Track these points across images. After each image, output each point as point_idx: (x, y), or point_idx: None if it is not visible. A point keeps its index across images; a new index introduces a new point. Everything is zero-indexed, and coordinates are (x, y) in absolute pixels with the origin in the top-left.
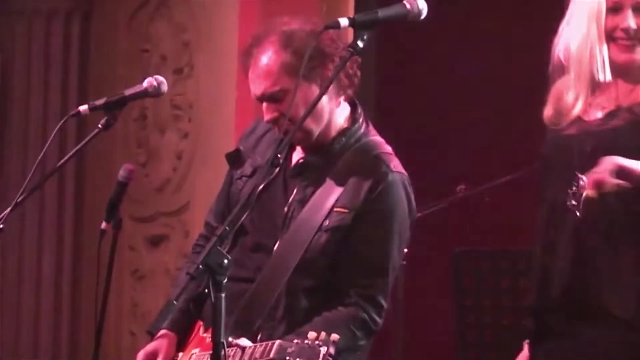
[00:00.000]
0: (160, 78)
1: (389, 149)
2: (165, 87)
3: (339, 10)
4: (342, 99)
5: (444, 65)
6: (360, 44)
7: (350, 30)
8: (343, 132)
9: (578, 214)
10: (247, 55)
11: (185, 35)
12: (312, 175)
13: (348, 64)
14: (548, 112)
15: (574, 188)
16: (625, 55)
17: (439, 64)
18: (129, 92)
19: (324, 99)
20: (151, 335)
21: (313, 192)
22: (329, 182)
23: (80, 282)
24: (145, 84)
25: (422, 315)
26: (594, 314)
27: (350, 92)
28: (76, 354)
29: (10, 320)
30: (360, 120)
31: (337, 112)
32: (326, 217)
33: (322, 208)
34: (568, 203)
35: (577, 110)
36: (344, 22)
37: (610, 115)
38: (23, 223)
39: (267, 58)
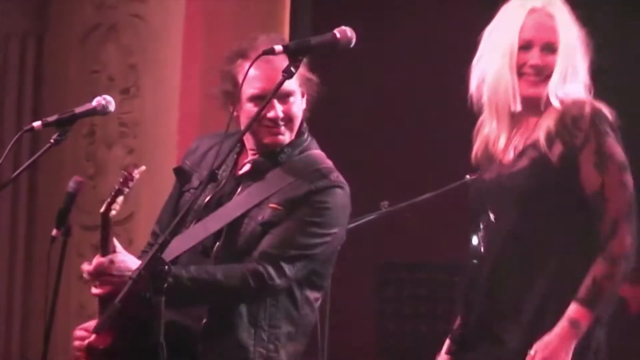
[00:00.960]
0: (108, 97)
1: (329, 162)
2: (112, 106)
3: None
4: None
5: (371, 85)
6: (293, 69)
7: None
8: (290, 144)
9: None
10: (243, 57)
11: (132, 58)
12: (255, 177)
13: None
14: (476, 153)
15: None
16: (532, 90)
17: (367, 84)
18: (79, 110)
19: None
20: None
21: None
22: (267, 180)
23: (31, 285)
24: (94, 102)
25: (347, 322)
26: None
27: None
28: (27, 353)
29: None
30: (306, 134)
31: None
32: (261, 212)
33: (257, 200)
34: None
35: (501, 148)
36: (278, 48)
37: (519, 155)
38: None
39: (278, 60)
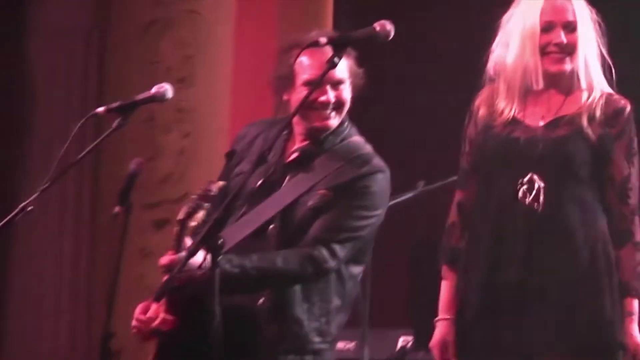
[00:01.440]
0: (166, 86)
1: (370, 148)
2: (170, 94)
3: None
4: None
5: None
6: (336, 60)
7: None
8: (333, 132)
9: (535, 209)
10: (298, 46)
11: (187, 50)
12: (303, 165)
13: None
14: (483, 112)
15: (525, 185)
16: (557, 66)
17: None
18: (139, 97)
19: None
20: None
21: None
22: (315, 168)
23: (96, 259)
24: (153, 90)
25: (383, 294)
26: (541, 294)
27: None
28: (92, 313)
29: (33, 283)
30: (346, 122)
31: None
32: (310, 198)
33: (306, 187)
34: (521, 198)
35: (509, 114)
36: (322, 40)
37: (552, 124)
38: (47, 207)
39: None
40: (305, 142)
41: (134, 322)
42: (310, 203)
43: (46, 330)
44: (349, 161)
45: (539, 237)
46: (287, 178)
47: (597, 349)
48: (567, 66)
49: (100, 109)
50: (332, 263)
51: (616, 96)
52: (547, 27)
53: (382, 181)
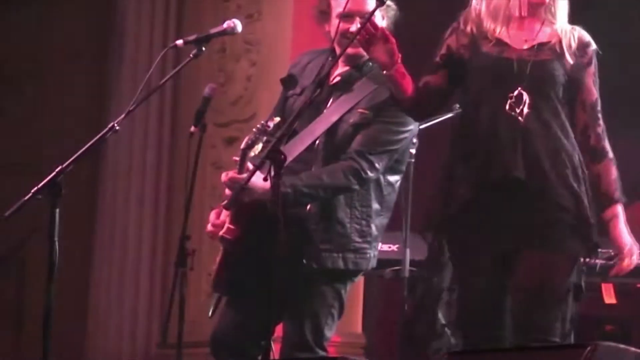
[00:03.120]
0: (236, 21)
1: None
2: (239, 28)
3: None
4: None
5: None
6: None
7: None
8: (369, 58)
9: (521, 120)
10: None
11: None
12: (345, 87)
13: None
14: (470, 29)
15: (513, 99)
16: None
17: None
18: (213, 30)
19: None
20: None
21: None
22: (355, 90)
23: (174, 171)
24: (225, 25)
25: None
26: (525, 193)
27: None
28: (171, 218)
29: (120, 196)
30: None
31: None
32: (352, 116)
33: (348, 107)
34: (508, 110)
35: (497, 35)
36: None
37: (536, 49)
38: (133, 126)
39: None
40: (347, 68)
41: (208, 226)
42: (351, 120)
43: (131, 232)
44: (383, 83)
45: (524, 142)
46: (332, 99)
47: (577, 249)
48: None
49: (179, 41)
50: (371, 174)
51: (582, 31)
52: None
53: None
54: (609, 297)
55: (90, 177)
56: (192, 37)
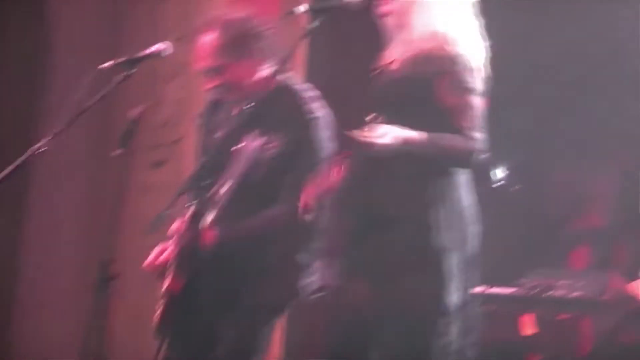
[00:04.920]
0: (168, 43)
1: (311, 94)
2: (170, 50)
3: None
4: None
5: None
6: (313, 26)
7: None
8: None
9: None
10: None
11: (185, 11)
12: (251, 120)
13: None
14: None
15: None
16: (384, 9)
17: None
18: (143, 53)
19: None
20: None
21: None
22: (262, 124)
23: (100, 193)
24: (155, 47)
25: None
26: None
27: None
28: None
29: (48, 216)
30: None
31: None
32: (260, 151)
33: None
34: None
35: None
36: (301, 9)
37: (390, 65)
38: (60, 148)
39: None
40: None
41: (149, 260)
42: (261, 156)
43: (57, 254)
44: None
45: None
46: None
47: None
48: (392, 7)
49: (108, 64)
50: None
51: (438, 36)
52: None
53: (323, 128)
54: (529, 328)
55: (17, 197)
56: (122, 59)
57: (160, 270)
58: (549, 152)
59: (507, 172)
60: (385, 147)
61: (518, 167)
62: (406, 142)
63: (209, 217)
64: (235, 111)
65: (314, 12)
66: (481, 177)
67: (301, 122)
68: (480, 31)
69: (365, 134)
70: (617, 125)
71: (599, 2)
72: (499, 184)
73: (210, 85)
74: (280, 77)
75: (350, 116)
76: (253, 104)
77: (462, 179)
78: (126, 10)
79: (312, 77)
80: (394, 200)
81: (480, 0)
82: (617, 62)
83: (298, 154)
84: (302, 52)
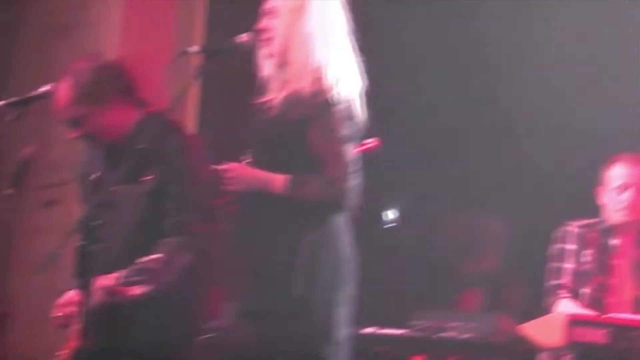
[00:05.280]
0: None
1: (178, 124)
2: None
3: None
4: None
5: None
6: (204, 68)
7: None
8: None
9: None
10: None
11: (78, 52)
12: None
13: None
14: None
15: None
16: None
17: None
18: (34, 93)
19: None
20: None
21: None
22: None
23: None
24: (45, 88)
25: None
26: None
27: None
28: None
29: None
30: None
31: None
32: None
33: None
34: None
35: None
36: (193, 49)
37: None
38: None
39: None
40: None
41: (58, 309)
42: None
43: None
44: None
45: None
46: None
47: None
48: (273, 48)
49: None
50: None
51: (314, 77)
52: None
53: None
54: None
55: None
56: (12, 100)
57: (64, 322)
58: (441, 195)
59: (398, 214)
60: (235, 192)
61: (409, 210)
62: (265, 186)
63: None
64: (106, 153)
65: (206, 52)
66: (372, 219)
67: (169, 151)
68: (361, 69)
69: (223, 176)
70: (504, 170)
71: (476, 53)
72: (390, 225)
73: (73, 136)
74: (147, 111)
75: (235, 155)
76: (123, 143)
77: (341, 223)
78: (17, 48)
79: (204, 114)
80: (266, 248)
81: (360, 37)
82: (497, 109)
83: (171, 184)
84: (194, 91)
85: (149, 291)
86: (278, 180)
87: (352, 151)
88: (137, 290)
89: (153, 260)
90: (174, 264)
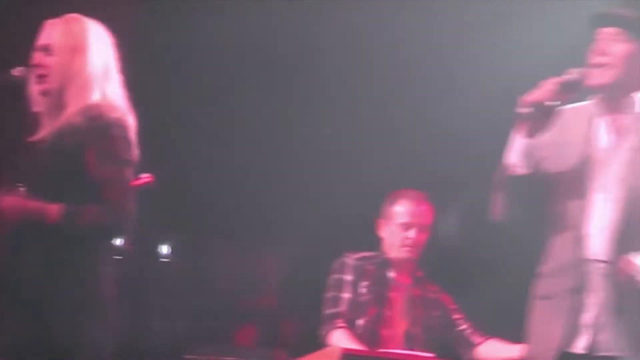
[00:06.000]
0: None
1: None
2: None
3: None
4: None
5: None
6: None
7: None
8: None
9: None
10: None
11: None
12: None
13: None
14: None
15: None
16: None
17: None
18: None
19: None
20: None
21: None
22: None
23: None
24: None
25: None
26: None
27: None
28: None
29: None
30: None
31: None
32: None
33: None
34: None
35: None
36: None
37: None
38: None
39: None
40: None
41: None
42: None
43: None
44: None
45: None
46: None
47: None
48: (45, 87)
49: None
50: None
51: (87, 109)
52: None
53: None
54: None
55: None
56: None
57: None
58: (217, 230)
59: (173, 248)
60: (8, 224)
61: (186, 244)
62: (38, 217)
63: None
64: None
65: None
66: (149, 252)
67: None
68: (130, 101)
69: None
70: (284, 204)
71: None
72: (166, 259)
73: None
74: None
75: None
76: None
77: (105, 252)
78: None
79: None
80: (46, 275)
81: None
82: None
83: None
84: None
85: None
86: (52, 209)
87: (129, 176)
88: None
89: None
90: None
